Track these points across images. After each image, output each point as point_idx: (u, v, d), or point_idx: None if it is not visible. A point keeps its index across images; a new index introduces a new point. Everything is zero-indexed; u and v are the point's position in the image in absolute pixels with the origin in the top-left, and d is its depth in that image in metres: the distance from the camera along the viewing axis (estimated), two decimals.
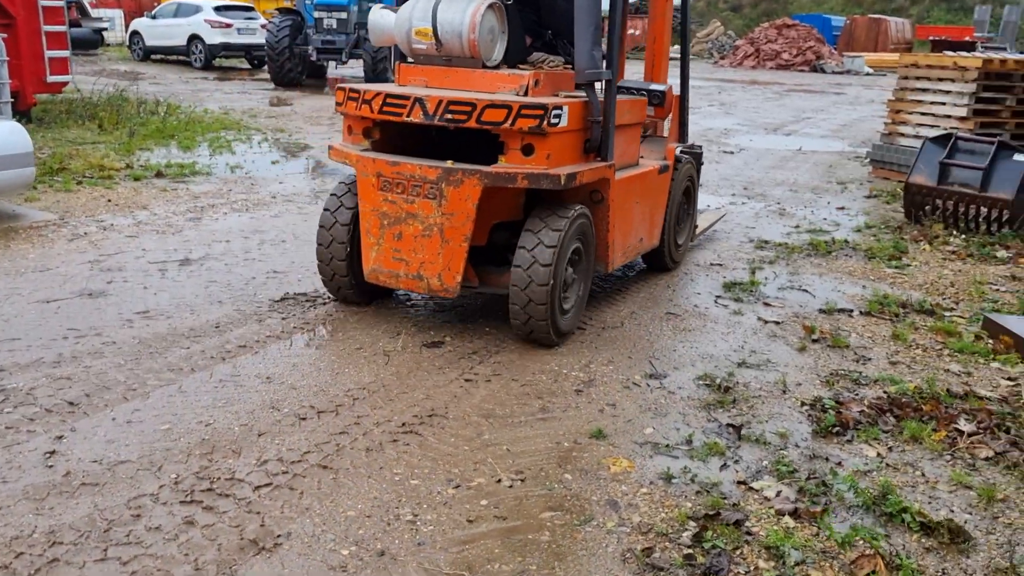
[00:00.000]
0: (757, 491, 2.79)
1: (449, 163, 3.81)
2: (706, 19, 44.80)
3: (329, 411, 3.23)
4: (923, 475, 2.97)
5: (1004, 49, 17.11)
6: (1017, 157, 6.36)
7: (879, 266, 5.59)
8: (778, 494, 2.78)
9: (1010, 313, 4.65)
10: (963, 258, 5.87)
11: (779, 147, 11.05)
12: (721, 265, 5.50)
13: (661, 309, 4.58)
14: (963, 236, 6.41)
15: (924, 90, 8.39)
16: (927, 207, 6.77)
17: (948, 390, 3.62)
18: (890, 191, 8.10)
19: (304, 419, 3.16)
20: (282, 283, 4.71)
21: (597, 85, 3.95)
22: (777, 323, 4.45)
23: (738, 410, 3.39)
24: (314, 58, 16.07)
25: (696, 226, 5.69)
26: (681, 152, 5.23)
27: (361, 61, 16.18)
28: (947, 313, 4.68)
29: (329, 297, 4.49)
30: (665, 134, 4.96)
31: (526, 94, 3.82)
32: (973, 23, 37.94)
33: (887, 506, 2.71)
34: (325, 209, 4.21)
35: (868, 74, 28.25)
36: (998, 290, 5.16)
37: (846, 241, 6.19)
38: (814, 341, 4.19)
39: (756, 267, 5.46)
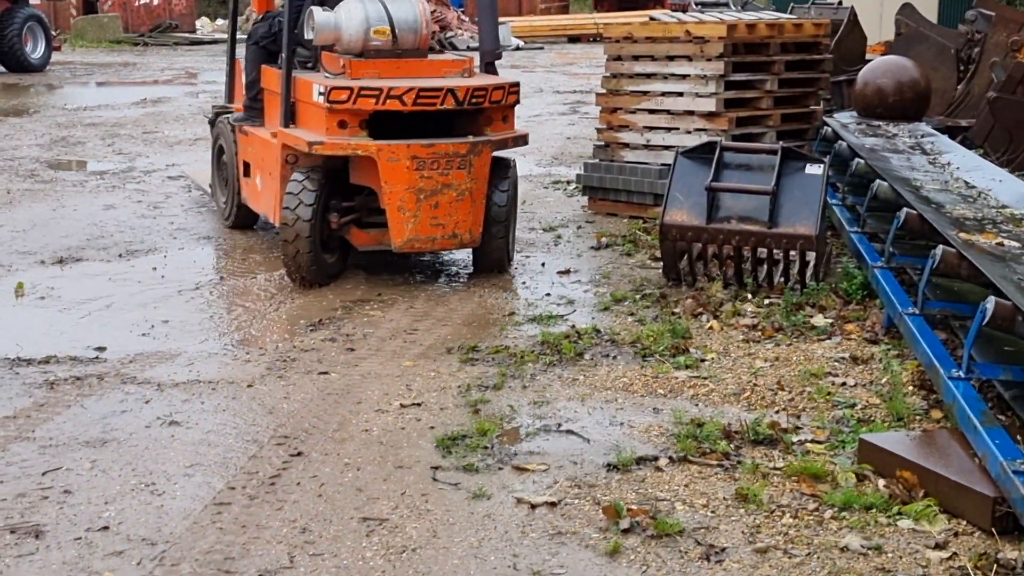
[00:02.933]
0: None
1: (470, 138, 7.01)
2: None
3: None
4: None
5: (727, 6, 19.17)
6: (810, 170, 6.83)
7: (663, 369, 5.60)
8: None
9: (885, 426, 4.79)
10: (770, 335, 6.11)
11: None
12: (418, 404, 5.17)
13: (348, 508, 4.09)
14: (754, 298, 6.70)
15: (649, 76, 8.87)
16: (695, 258, 7.01)
17: None
18: (626, 235, 8.40)
19: None
20: None
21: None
22: (552, 505, 4.17)
23: None
24: None
25: None
26: None
27: None
28: (795, 439, 4.72)
29: None
30: None
31: (471, 76, 7.33)
32: None
33: None
34: (285, 208, 6.85)
35: (519, 48, 30.43)
36: (844, 384, 5.37)
37: (596, 331, 6.20)
38: (626, 531, 3.95)
39: (477, 400, 5.21)
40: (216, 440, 4.75)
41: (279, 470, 4.45)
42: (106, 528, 3.95)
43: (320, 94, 6.85)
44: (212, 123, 9.04)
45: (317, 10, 7.05)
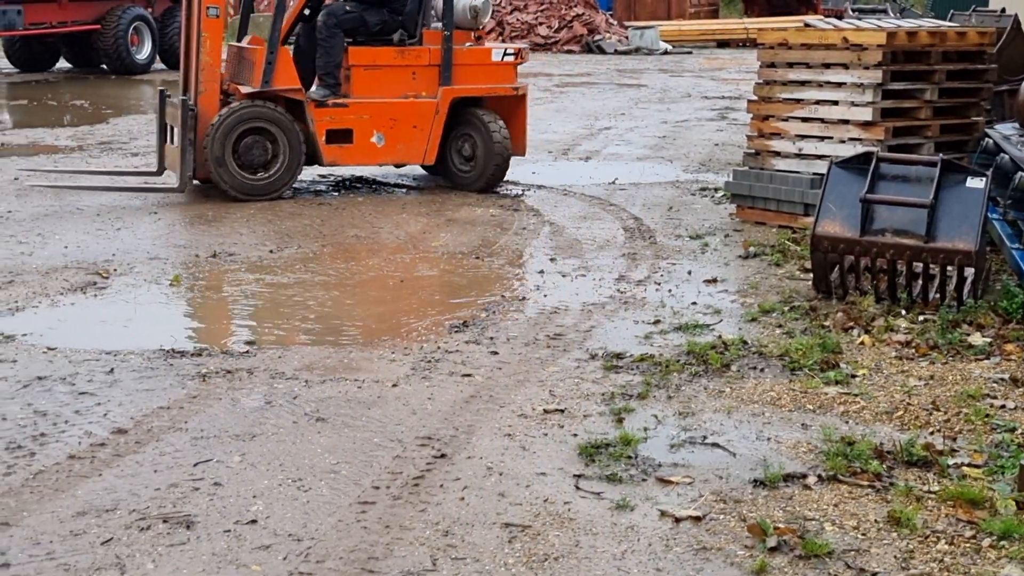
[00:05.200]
0: None
1: None
2: None
3: None
4: None
5: (885, 12, 18.76)
6: (971, 183, 6.62)
7: (813, 384, 5.48)
8: None
9: None
10: (924, 353, 5.95)
11: (580, 181, 11.14)
12: (561, 411, 5.14)
13: (490, 512, 4.08)
14: (908, 313, 6.53)
15: (803, 83, 8.71)
16: (846, 270, 6.86)
17: None
18: (775, 245, 8.26)
19: None
20: None
21: None
22: (697, 519, 4.10)
23: None
24: None
25: None
26: None
27: None
28: (951, 462, 4.57)
29: None
30: None
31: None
32: None
33: None
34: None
35: (667, 52, 30.25)
36: (1003, 406, 5.19)
37: (743, 342, 6.10)
38: (772, 550, 3.86)
39: (621, 409, 5.15)
40: (361, 438, 4.79)
41: (422, 471, 4.47)
42: (254, 522, 4.01)
43: (508, 54, 10.54)
44: (191, 109, 9.48)
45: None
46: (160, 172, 10.06)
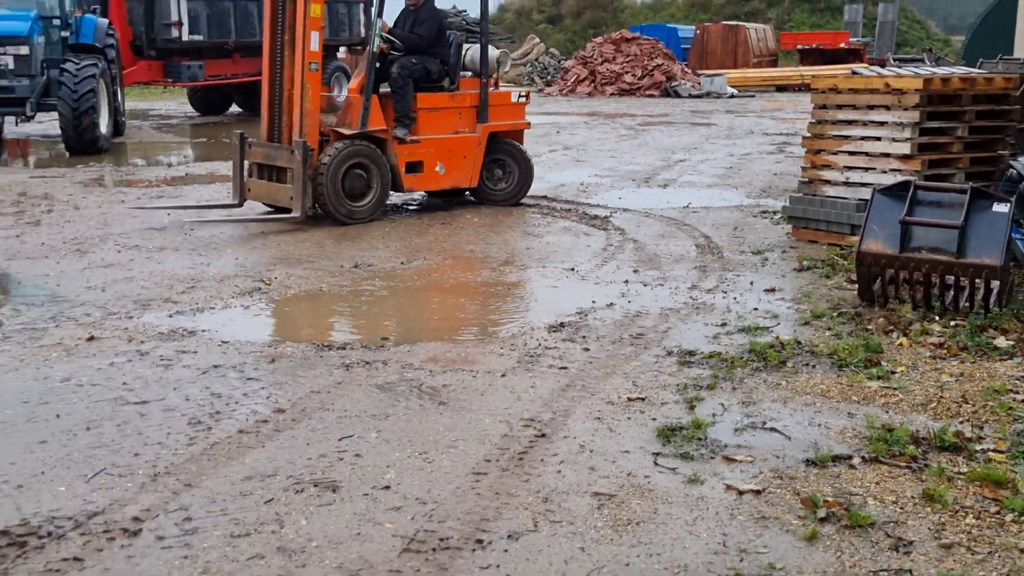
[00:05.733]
0: None
1: None
2: (519, 34, 46.35)
3: None
4: None
5: (922, 60, 18.35)
6: (997, 208, 6.43)
7: (857, 379, 5.37)
8: None
9: None
10: (955, 353, 5.79)
11: (659, 205, 11.05)
12: (642, 399, 5.10)
13: (582, 483, 4.07)
14: (941, 319, 6.37)
15: (850, 122, 8.54)
16: (887, 282, 6.72)
17: None
18: (825, 259, 8.11)
19: None
20: None
21: None
22: (757, 492, 4.04)
23: None
24: None
25: None
26: None
27: (56, 115, 14.94)
28: (978, 448, 4.45)
29: None
30: None
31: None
32: (844, 26, 41.50)
33: None
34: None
35: (733, 96, 29.91)
36: None
37: (798, 342, 5.99)
38: (822, 520, 3.79)
39: (693, 398, 5.10)
40: (475, 419, 4.82)
41: (526, 448, 4.48)
42: (387, 487, 4.06)
43: (521, 96, 10.99)
44: (306, 153, 9.32)
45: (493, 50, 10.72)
46: (241, 204, 10.06)
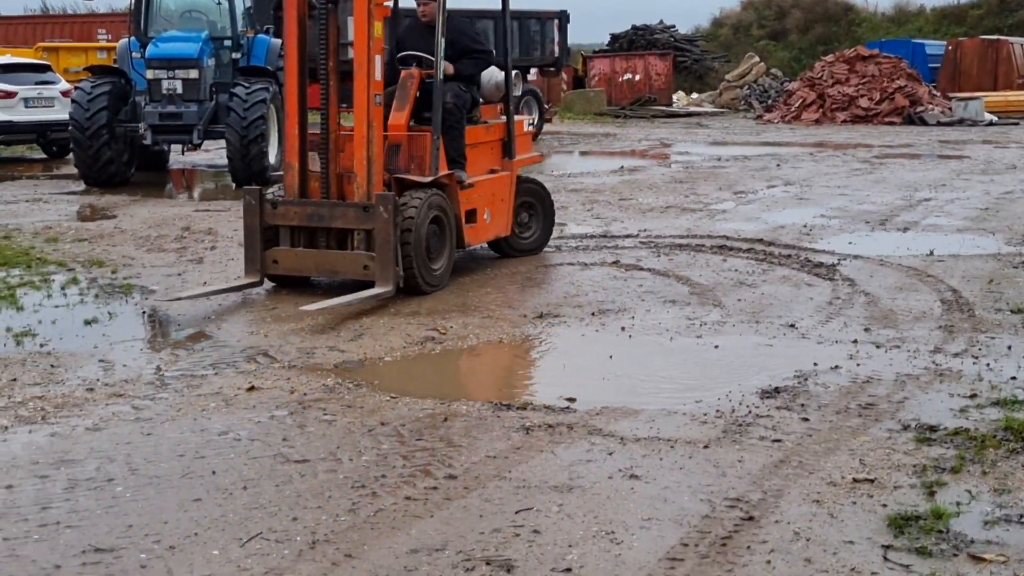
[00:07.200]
0: None
1: None
2: (736, 52, 46.21)
3: None
4: None
5: None
6: None
7: None
8: None
9: None
10: None
11: (897, 252, 10.77)
12: (871, 481, 4.97)
13: None
14: None
15: None
16: None
17: None
18: None
19: None
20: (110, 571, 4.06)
21: None
22: None
23: None
24: (148, 141, 15.72)
25: None
26: None
27: (224, 142, 15.82)
28: None
29: None
30: None
31: None
32: None
33: None
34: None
35: (992, 124, 28.90)
36: None
37: None
38: None
39: (933, 482, 4.93)
40: (672, 496, 4.80)
41: (730, 532, 4.43)
42: (568, 570, 4.08)
43: (530, 124, 10.23)
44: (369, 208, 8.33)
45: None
46: (261, 282, 8.85)
